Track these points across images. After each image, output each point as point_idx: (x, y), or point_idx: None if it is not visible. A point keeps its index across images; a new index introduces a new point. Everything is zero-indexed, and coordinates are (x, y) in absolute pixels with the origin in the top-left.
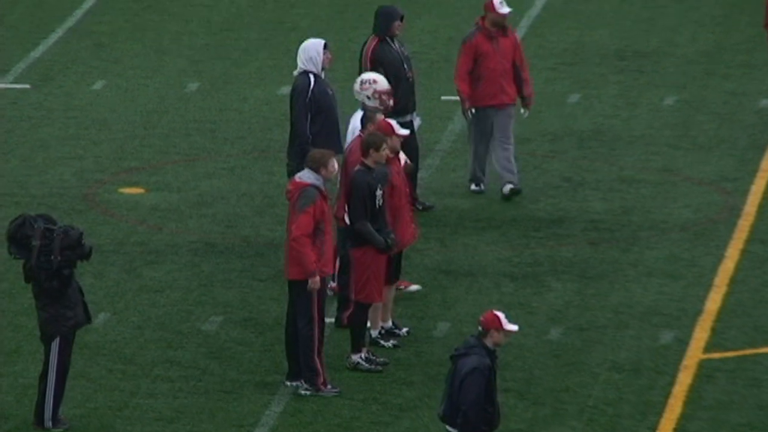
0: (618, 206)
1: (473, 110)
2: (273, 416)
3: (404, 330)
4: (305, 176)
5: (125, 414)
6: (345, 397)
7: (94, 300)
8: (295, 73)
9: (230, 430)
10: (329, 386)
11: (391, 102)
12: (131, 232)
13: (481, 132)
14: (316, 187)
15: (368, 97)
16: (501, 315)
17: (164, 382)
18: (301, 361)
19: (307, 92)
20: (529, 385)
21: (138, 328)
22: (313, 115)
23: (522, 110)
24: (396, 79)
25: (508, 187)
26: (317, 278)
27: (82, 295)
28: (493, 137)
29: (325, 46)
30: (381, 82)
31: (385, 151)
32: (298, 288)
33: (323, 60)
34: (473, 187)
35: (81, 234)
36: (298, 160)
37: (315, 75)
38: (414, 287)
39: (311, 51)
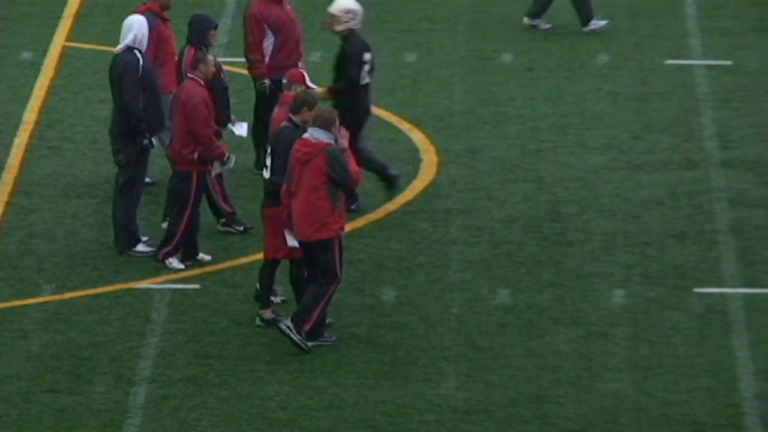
0: None
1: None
2: None
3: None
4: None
5: None
6: None
7: None
8: (118, 49)
9: None
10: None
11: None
12: None
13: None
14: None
15: None
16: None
17: None
18: None
19: (137, 70)
20: None
21: None
22: (141, 92)
23: None
24: (215, 88)
25: None
26: None
27: None
28: None
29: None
30: None
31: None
32: None
33: (147, 37)
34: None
35: None
36: (127, 138)
37: (141, 51)
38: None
39: (136, 27)
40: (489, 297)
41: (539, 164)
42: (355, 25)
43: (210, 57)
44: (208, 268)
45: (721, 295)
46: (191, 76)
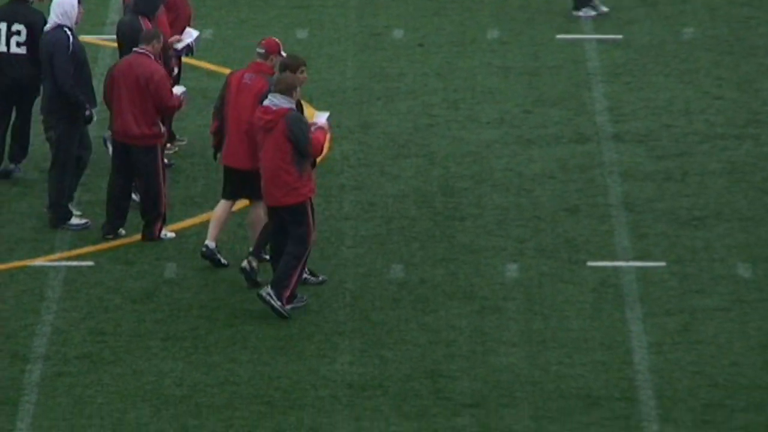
0: None
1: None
2: None
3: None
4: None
5: None
6: None
7: None
8: (48, 26)
9: None
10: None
11: None
12: None
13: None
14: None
15: None
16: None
17: None
18: None
19: (68, 46)
20: None
21: None
22: (72, 68)
23: None
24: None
25: None
26: None
27: None
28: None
29: (79, 1)
30: None
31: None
32: None
33: (77, 15)
34: None
35: None
36: (59, 115)
37: (71, 29)
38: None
39: (66, 5)
40: (383, 272)
41: (431, 139)
42: None
43: (161, 35)
44: (102, 246)
45: (614, 268)
46: (141, 51)
